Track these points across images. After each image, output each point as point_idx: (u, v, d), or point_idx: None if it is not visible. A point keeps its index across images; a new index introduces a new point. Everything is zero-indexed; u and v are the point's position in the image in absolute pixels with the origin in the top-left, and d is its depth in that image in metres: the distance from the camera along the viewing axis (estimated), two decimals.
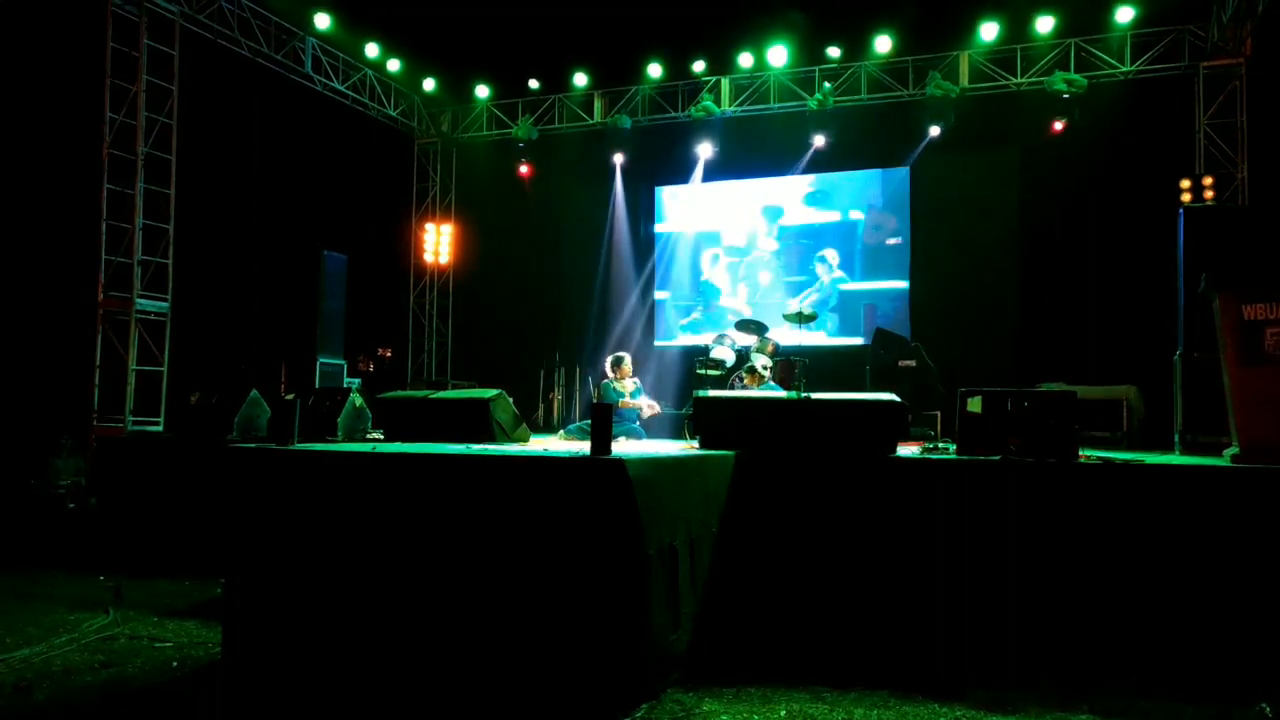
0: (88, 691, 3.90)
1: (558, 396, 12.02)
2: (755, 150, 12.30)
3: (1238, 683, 4.06)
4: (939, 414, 9.31)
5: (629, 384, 8.41)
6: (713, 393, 5.73)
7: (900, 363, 10.04)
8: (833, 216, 12.43)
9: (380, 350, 11.15)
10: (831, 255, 12.37)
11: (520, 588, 3.77)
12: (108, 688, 3.95)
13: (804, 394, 5.54)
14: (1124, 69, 10.66)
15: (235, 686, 4.06)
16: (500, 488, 3.85)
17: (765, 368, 8.49)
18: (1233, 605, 4.35)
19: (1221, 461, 5.13)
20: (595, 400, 7.93)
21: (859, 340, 11.74)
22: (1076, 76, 10.60)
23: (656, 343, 13.02)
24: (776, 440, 5.24)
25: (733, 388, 9.78)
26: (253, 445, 4.72)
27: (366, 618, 3.98)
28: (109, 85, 8.95)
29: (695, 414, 5.46)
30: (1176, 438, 7.04)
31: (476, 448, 4.79)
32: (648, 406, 8.39)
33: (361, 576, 4.02)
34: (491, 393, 6.36)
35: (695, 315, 13.01)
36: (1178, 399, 7.04)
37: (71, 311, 8.84)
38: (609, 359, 8.25)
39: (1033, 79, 10.92)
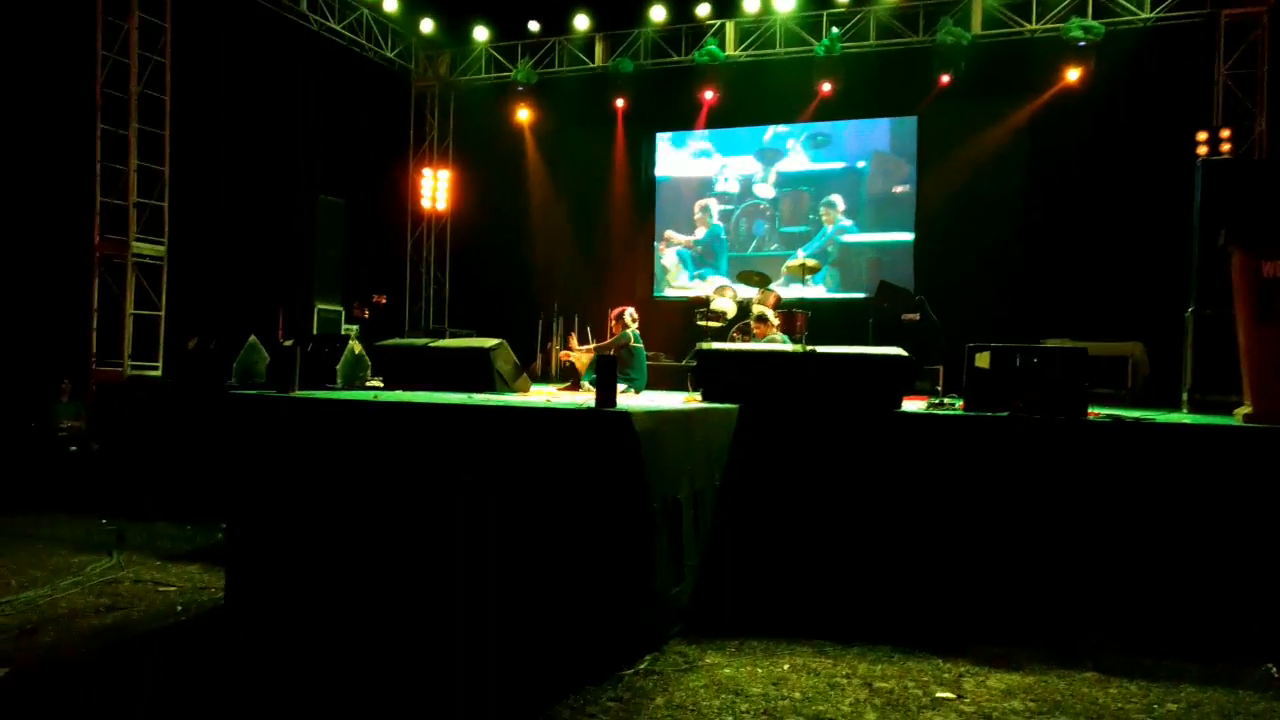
0: (94, 635, 3.89)
1: (556, 346, 11.94)
2: (760, 97, 12.04)
3: (1244, 643, 4.05)
4: (941, 369, 9.23)
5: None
6: (717, 345, 5.65)
7: (904, 316, 9.95)
8: (837, 164, 12.20)
9: (375, 297, 11.00)
10: (838, 201, 12.17)
11: (524, 538, 3.74)
12: (113, 631, 3.95)
13: (808, 347, 5.47)
14: (1143, 16, 10.39)
15: (239, 631, 4.06)
16: (505, 438, 3.80)
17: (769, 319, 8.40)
18: (1241, 566, 4.33)
19: (1232, 421, 5.08)
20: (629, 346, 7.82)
21: (861, 294, 11.61)
22: (1094, 23, 10.33)
23: (655, 293, 12.90)
24: (780, 394, 5.18)
25: (733, 340, 9.71)
26: (254, 392, 4.66)
27: (369, 565, 3.96)
28: (101, 21, 8.71)
29: (699, 366, 5.40)
30: (1185, 396, 6.98)
31: (478, 397, 4.73)
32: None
33: (364, 523, 3.99)
34: (492, 342, 6.29)
35: (695, 265, 12.87)
36: (1187, 357, 6.97)
37: (68, 255, 8.72)
38: (628, 311, 8.11)
39: (1048, 26, 10.65)
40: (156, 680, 3.44)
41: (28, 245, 8.32)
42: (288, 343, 7.76)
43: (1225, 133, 9.90)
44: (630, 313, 8.00)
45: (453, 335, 11.59)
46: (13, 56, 8.20)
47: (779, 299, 10.33)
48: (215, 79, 9.97)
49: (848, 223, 12.10)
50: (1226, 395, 6.53)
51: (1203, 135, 9.98)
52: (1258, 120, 9.98)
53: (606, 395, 3.76)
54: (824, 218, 12.20)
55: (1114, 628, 4.27)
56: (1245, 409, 5.15)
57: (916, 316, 9.87)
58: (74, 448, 8.01)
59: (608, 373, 3.77)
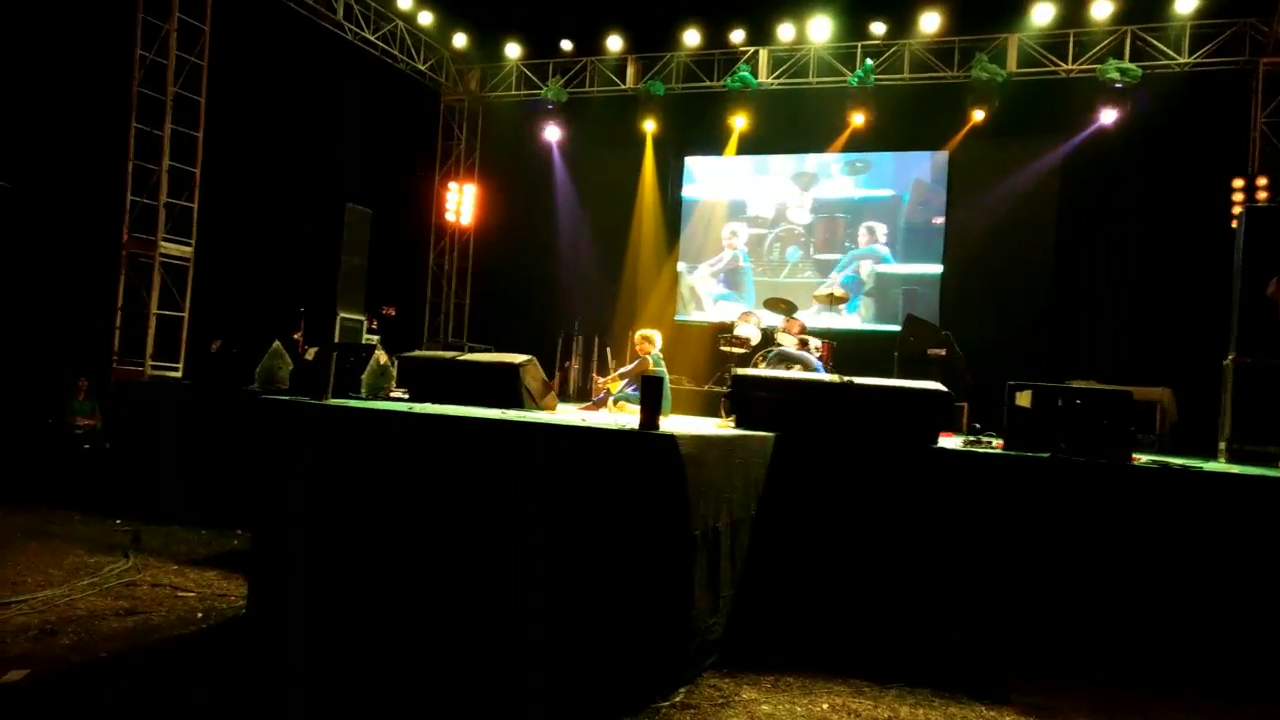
0: (115, 638, 3.80)
1: (575, 366, 11.85)
2: (791, 125, 12.01)
3: None
4: (966, 405, 9.12)
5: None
6: (753, 370, 5.56)
7: (929, 351, 9.85)
8: (877, 191, 12.07)
9: (384, 309, 10.90)
10: (878, 227, 12.05)
11: (559, 561, 3.64)
12: (135, 636, 3.85)
13: (846, 378, 5.38)
14: (1180, 60, 10.35)
15: (262, 642, 3.95)
16: (546, 456, 3.71)
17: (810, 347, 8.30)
18: None
19: (1277, 472, 4.97)
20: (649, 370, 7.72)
21: (893, 327, 11.48)
22: (1131, 66, 10.30)
23: (678, 317, 12.83)
24: (817, 424, 5.08)
25: (755, 367, 9.62)
26: (285, 398, 4.58)
27: (398, 581, 3.86)
28: (141, 21, 8.74)
29: (734, 392, 5.31)
30: (1222, 445, 6.85)
31: (512, 414, 4.65)
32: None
33: (394, 538, 3.89)
34: (522, 358, 6.21)
35: (720, 289, 12.79)
36: (1226, 405, 6.85)
37: (95, 252, 8.69)
38: (652, 333, 8.01)
39: (1084, 67, 10.62)
40: (181, 689, 3.33)
41: (55, 241, 8.30)
42: (311, 350, 7.70)
43: (1262, 180, 9.85)
44: (654, 335, 7.92)
45: (471, 350, 11.52)
46: (50, 53, 8.21)
47: (804, 327, 10.24)
48: (250, 83, 9.98)
49: (885, 250, 11.95)
50: (1265, 446, 6.42)
51: (1239, 182, 9.94)
52: None
53: (650, 417, 3.67)
54: (861, 239, 12.06)
55: (1157, 678, 4.14)
56: None
57: (943, 352, 9.78)
58: (87, 446, 7.94)
59: (652, 393, 3.68)
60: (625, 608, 3.55)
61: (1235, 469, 5.10)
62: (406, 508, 3.86)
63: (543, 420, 4.20)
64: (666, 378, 8.27)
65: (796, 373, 7.41)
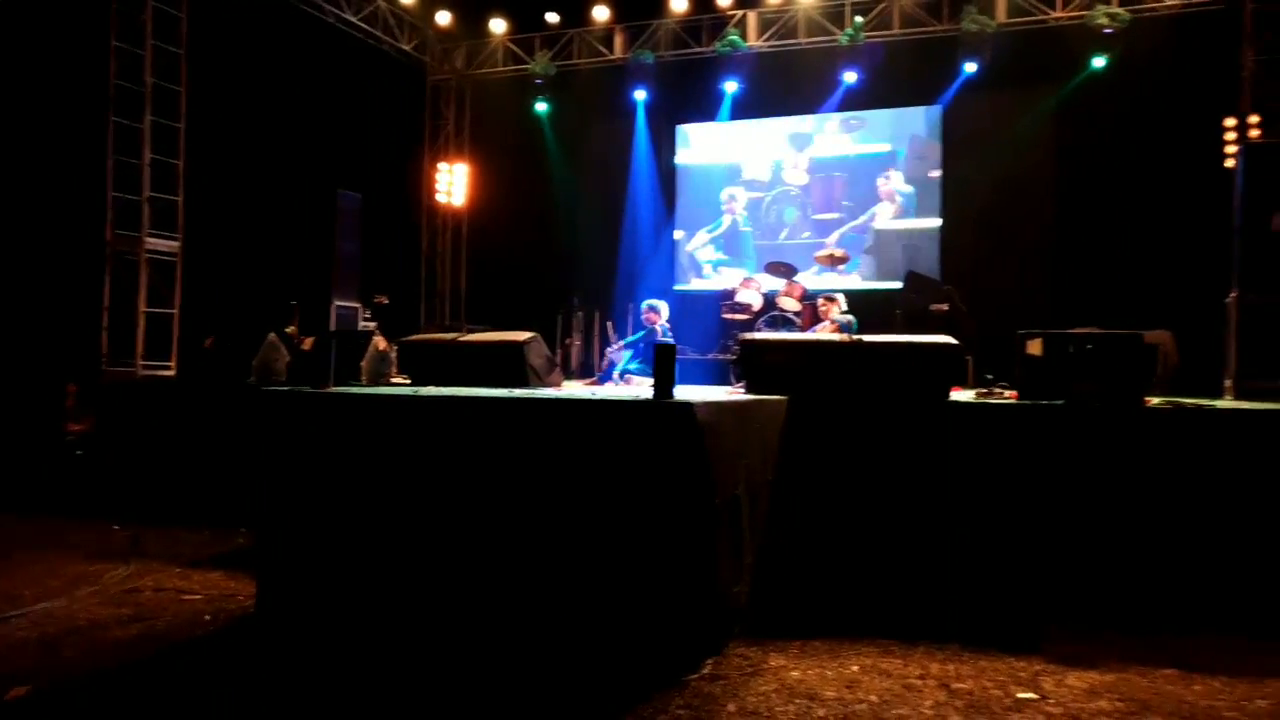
0: (120, 647, 3.70)
1: (576, 342, 11.75)
2: (783, 87, 11.86)
3: None
4: (970, 359, 9.05)
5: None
6: (762, 335, 5.48)
7: (932, 307, 9.76)
8: (873, 147, 11.92)
9: (377, 297, 10.77)
10: (895, 174, 11.83)
11: (578, 539, 3.56)
12: (140, 644, 3.75)
13: (856, 337, 5.30)
14: (1169, 2, 10.21)
15: (274, 641, 3.87)
16: (560, 432, 3.62)
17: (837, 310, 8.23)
18: None
19: None
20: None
21: (894, 284, 11.37)
22: (1119, 10, 10.16)
23: (677, 286, 12.71)
24: (828, 385, 5.00)
25: (759, 331, 9.54)
26: (285, 388, 4.48)
27: (413, 569, 3.78)
28: (115, 10, 8.54)
29: (743, 357, 5.23)
30: (1228, 382, 6.80)
31: (519, 392, 4.56)
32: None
33: (405, 527, 3.81)
34: (525, 336, 6.11)
35: (720, 256, 12.65)
36: (1231, 343, 6.79)
37: (78, 251, 8.53)
38: (659, 303, 7.91)
39: (1073, 13, 10.46)
40: (192, 695, 3.26)
41: (37, 241, 8.14)
42: (307, 341, 7.59)
43: (1254, 118, 9.75)
44: (661, 305, 7.82)
45: (468, 331, 11.38)
46: (24, 46, 8.02)
47: (805, 291, 10.16)
48: (231, 71, 9.78)
49: (905, 191, 11.72)
50: (1272, 381, 6.36)
51: (1230, 121, 9.85)
52: None
53: (664, 386, 3.58)
54: (880, 189, 11.86)
55: (1184, 620, 4.10)
56: None
57: (945, 307, 9.69)
58: (80, 451, 7.81)
59: (666, 362, 3.59)
60: (649, 581, 3.47)
61: (1246, 405, 5.05)
62: (417, 493, 3.78)
63: (555, 395, 4.12)
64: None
65: (805, 334, 7.32)
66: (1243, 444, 4.35)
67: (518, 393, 4.37)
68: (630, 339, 7.97)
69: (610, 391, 4.48)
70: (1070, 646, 3.79)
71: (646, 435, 3.44)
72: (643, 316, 8.01)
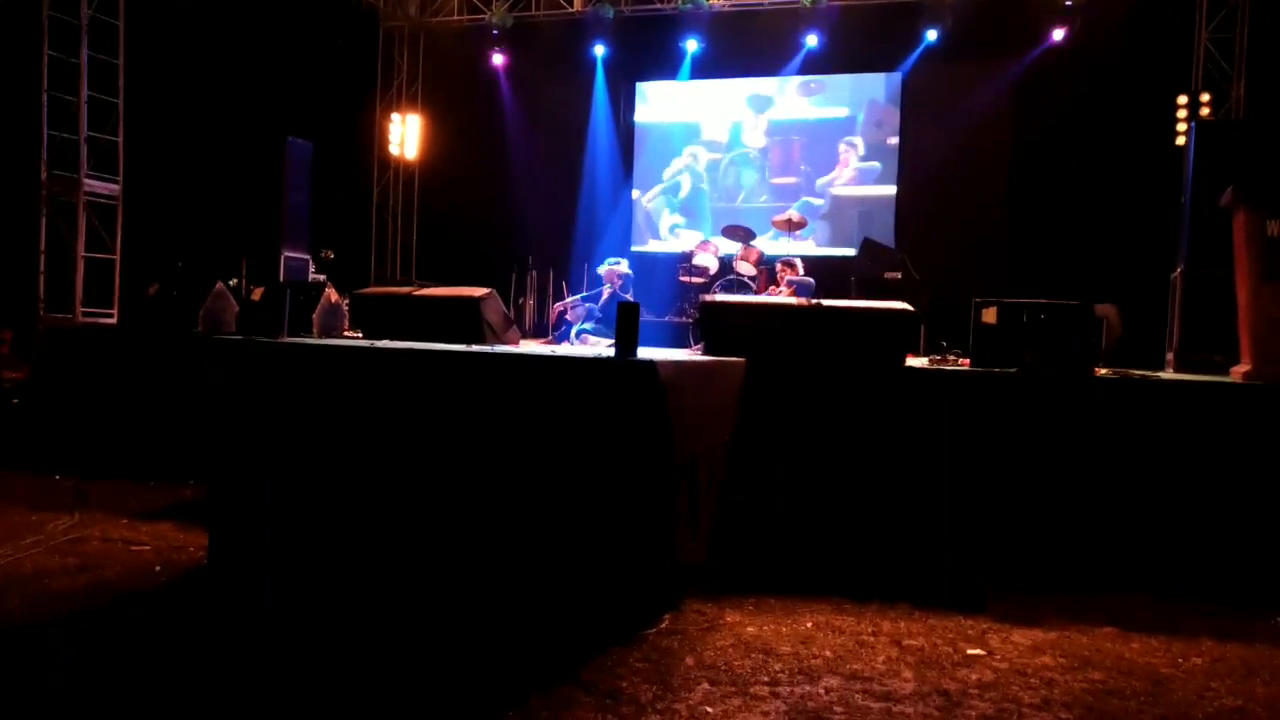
0: (67, 598, 3.61)
1: (530, 302, 11.64)
2: (744, 48, 11.72)
3: (1251, 595, 4.07)
4: (923, 327, 9.18)
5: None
6: (721, 297, 5.49)
7: (886, 275, 9.84)
8: (832, 111, 11.88)
9: (324, 253, 10.51)
10: (858, 143, 11.84)
11: (537, 497, 3.55)
12: (89, 593, 3.67)
13: (814, 301, 5.33)
14: None
15: (225, 592, 3.82)
16: (519, 390, 3.59)
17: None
18: (1247, 518, 4.34)
19: (1230, 379, 5.09)
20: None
21: (848, 250, 11.44)
22: None
23: (634, 247, 12.63)
24: (786, 347, 5.04)
25: (715, 295, 9.55)
26: (238, 338, 4.36)
27: (367, 526, 3.74)
28: None
29: (702, 319, 5.24)
30: (1170, 355, 7.01)
31: (479, 348, 4.50)
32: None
33: (361, 482, 3.76)
34: (481, 291, 6.03)
35: (678, 219, 12.59)
36: (1173, 317, 6.99)
37: (12, 192, 8.16)
38: (622, 262, 7.83)
39: None
40: (144, 644, 3.20)
41: None
42: (256, 291, 7.40)
43: (1205, 96, 9.96)
44: (621, 263, 7.77)
45: (419, 287, 11.19)
46: None
47: (761, 255, 10.18)
48: (174, 6, 9.36)
49: (868, 165, 11.74)
50: (1213, 354, 6.57)
51: (1183, 99, 10.04)
52: (1235, 85, 10.00)
53: (627, 345, 3.56)
54: (841, 156, 11.85)
55: (1122, 581, 4.26)
56: (1244, 367, 5.15)
57: (899, 275, 9.78)
58: (16, 400, 7.56)
59: (629, 321, 3.57)
60: (608, 539, 3.48)
61: (1189, 377, 5.22)
62: (374, 448, 3.72)
63: (516, 351, 4.07)
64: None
65: (764, 297, 7.35)
66: (1184, 414, 4.49)
67: (478, 349, 4.32)
68: (588, 294, 7.91)
69: (572, 350, 4.45)
70: (1013, 607, 3.92)
71: (609, 394, 3.43)
72: (602, 274, 7.95)
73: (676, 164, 12.55)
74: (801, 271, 9.02)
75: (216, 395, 4.01)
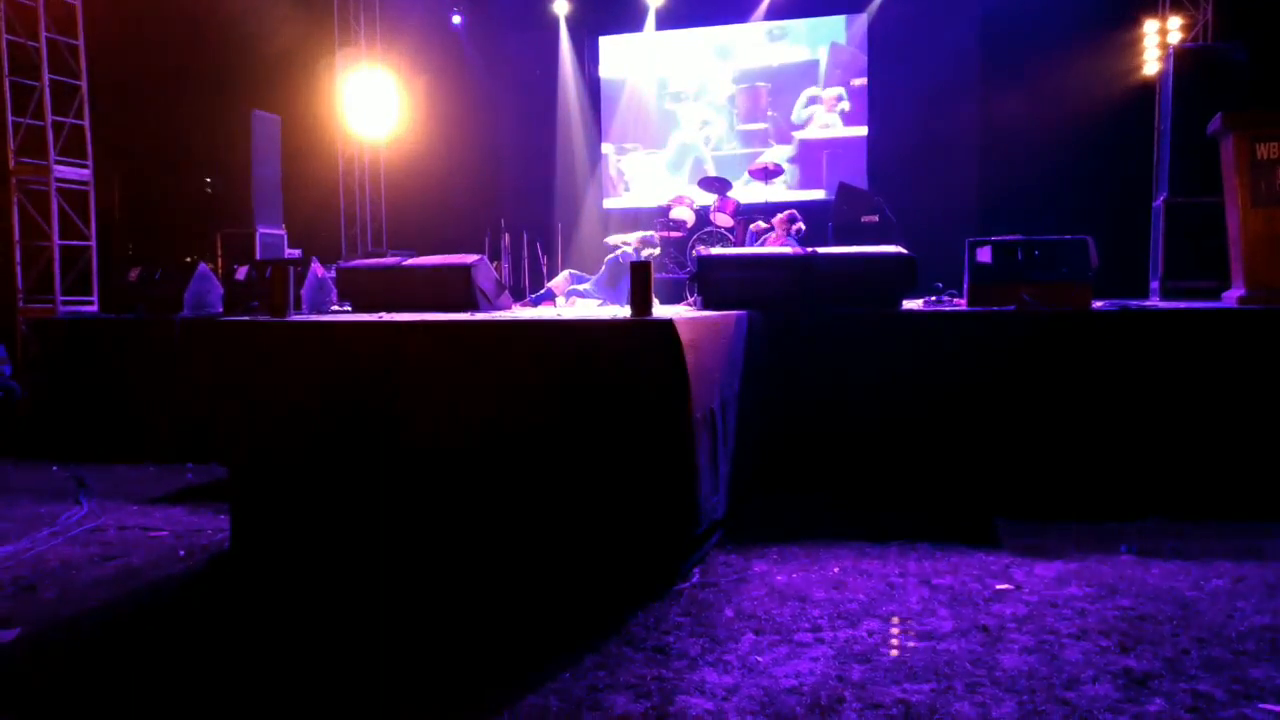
0: (99, 586, 3.60)
1: (503, 265, 11.53)
2: None
3: (1262, 512, 4.21)
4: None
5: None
6: (717, 250, 5.49)
7: (863, 218, 9.88)
8: (795, 54, 11.82)
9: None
10: (826, 94, 11.77)
11: (560, 460, 3.57)
12: (120, 581, 3.66)
13: (810, 249, 5.35)
14: None
15: (254, 574, 3.82)
16: (539, 355, 3.58)
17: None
18: (1244, 437, 4.48)
19: (1225, 305, 5.20)
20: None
21: (820, 193, 11.46)
22: None
23: (606, 202, 12.54)
24: (784, 297, 5.08)
25: (694, 249, 9.54)
26: (246, 319, 4.30)
27: (393, 497, 3.74)
28: None
29: (699, 273, 5.23)
30: (1156, 284, 7.13)
31: (494, 315, 4.48)
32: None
33: (385, 455, 3.75)
34: (472, 258, 5.97)
35: (649, 172, 12.50)
36: (1159, 246, 7.09)
37: None
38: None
39: None
40: (186, 629, 3.20)
41: None
42: (239, 270, 7.29)
43: (1175, 21, 9.98)
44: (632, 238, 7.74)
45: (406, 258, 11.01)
46: None
47: (738, 206, 10.16)
48: None
49: (836, 112, 11.69)
50: (1196, 282, 6.70)
51: (1153, 24, 10.05)
52: (1203, 8, 10.03)
53: (642, 304, 3.56)
54: (823, 102, 11.81)
55: (1134, 508, 4.37)
56: (1237, 292, 5.26)
57: (876, 218, 9.82)
58: (2, 394, 7.44)
59: (642, 280, 3.56)
60: (636, 497, 3.52)
61: (1183, 306, 5.32)
62: (395, 420, 3.71)
63: (535, 317, 4.06)
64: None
65: (760, 248, 7.37)
66: (1183, 342, 4.60)
67: (495, 315, 4.30)
68: (597, 276, 7.84)
69: (583, 311, 4.44)
70: (1030, 540, 4.01)
71: (630, 354, 3.44)
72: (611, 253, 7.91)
73: (647, 117, 12.38)
74: (797, 218, 9.00)
75: (223, 376, 3.96)
